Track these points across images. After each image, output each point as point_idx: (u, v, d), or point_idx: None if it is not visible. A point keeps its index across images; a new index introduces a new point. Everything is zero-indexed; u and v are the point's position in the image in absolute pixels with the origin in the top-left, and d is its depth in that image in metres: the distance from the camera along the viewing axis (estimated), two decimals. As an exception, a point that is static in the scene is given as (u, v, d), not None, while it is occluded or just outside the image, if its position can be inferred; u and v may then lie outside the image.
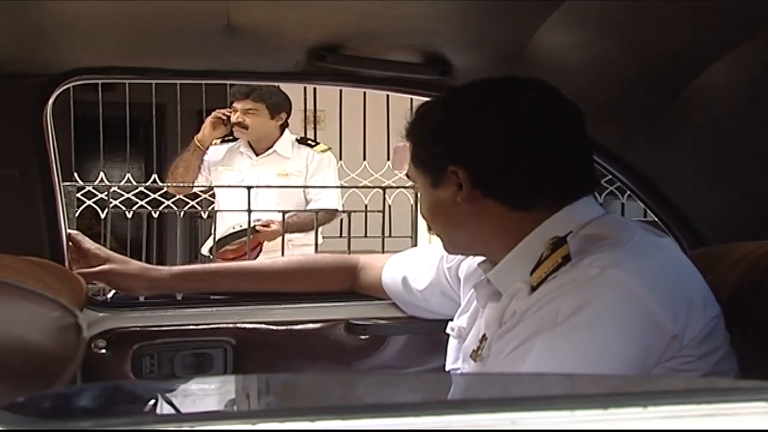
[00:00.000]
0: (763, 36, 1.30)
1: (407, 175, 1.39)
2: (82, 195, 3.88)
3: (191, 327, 1.68)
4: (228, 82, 2.89)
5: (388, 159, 4.36)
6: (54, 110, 1.62)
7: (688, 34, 1.35)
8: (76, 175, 3.91)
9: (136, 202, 3.97)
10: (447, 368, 1.42)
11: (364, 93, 4.01)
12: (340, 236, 3.76)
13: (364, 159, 4.44)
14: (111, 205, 3.69)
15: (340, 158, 4.13)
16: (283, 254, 3.20)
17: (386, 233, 3.78)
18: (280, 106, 3.49)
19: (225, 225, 3.42)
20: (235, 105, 3.45)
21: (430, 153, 1.28)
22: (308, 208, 3.44)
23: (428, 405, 0.61)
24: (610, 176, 1.76)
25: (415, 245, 3.79)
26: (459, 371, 1.36)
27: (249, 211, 3.19)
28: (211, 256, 3.35)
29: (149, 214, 3.98)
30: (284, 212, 3.30)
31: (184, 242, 4.41)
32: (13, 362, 0.75)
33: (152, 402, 0.68)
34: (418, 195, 1.51)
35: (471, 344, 1.33)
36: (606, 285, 1.09)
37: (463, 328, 1.40)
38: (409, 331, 1.72)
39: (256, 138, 3.52)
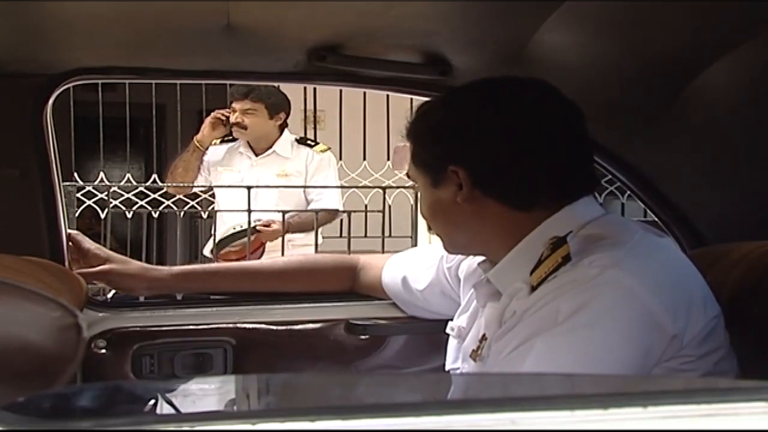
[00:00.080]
0: (763, 36, 1.30)
1: (407, 175, 1.39)
2: (82, 195, 3.88)
3: (191, 327, 1.68)
4: (228, 82, 2.88)
5: (388, 159, 4.36)
6: (54, 110, 1.62)
7: (688, 34, 1.35)
8: (76, 175, 3.91)
9: (136, 202, 3.98)
10: (447, 368, 1.42)
11: (364, 93, 4.01)
12: (340, 236, 3.76)
13: (364, 159, 4.44)
14: (111, 205, 3.69)
15: (340, 158, 4.13)
16: (283, 254, 3.20)
17: (386, 233, 3.78)
18: (279, 106, 3.49)
19: (225, 226, 3.42)
20: (234, 105, 3.45)
21: (430, 153, 1.28)
22: (309, 208, 3.44)
23: (428, 405, 0.61)
24: (610, 176, 1.76)
25: (415, 245, 3.79)
26: (459, 371, 1.36)
27: (249, 211, 3.18)
28: (213, 258, 3.35)
29: (149, 214, 3.98)
30: (284, 212, 3.30)
31: (184, 242, 4.41)
32: (13, 362, 0.75)
33: (152, 402, 0.68)
34: (418, 195, 1.51)
35: (471, 344, 1.33)
36: (606, 285, 1.09)
37: (462, 328, 1.40)
38: (409, 331, 1.72)
39: (255, 138, 3.51)
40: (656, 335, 1.09)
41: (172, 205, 3.99)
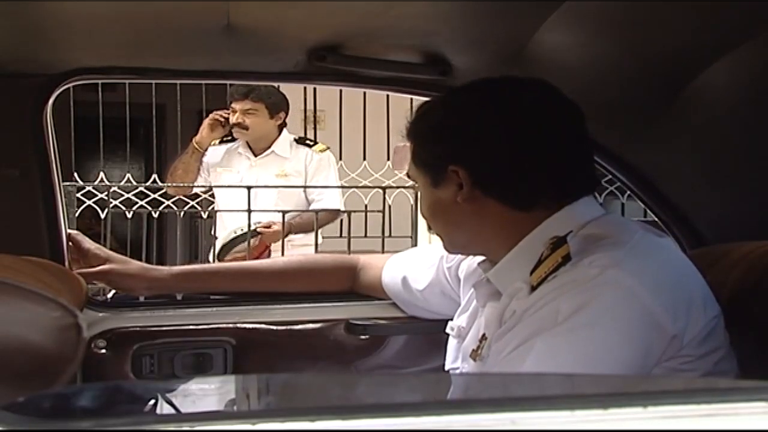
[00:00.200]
0: (763, 36, 1.30)
1: (408, 175, 1.39)
2: (82, 195, 3.88)
3: (191, 327, 1.68)
4: (228, 82, 2.89)
5: (388, 159, 4.36)
6: (54, 110, 1.62)
7: (688, 34, 1.35)
8: (76, 175, 3.91)
9: (136, 202, 3.97)
10: (446, 368, 1.42)
11: (364, 93, 4.01)
12: (340, 236, 3.76)
13: (364, 159, 4.44)
14: (111, 205, 3.69)
15: (340, 158, 4.13)
16: (283, 254, 3.19)
17: (386, 233, 3.78)
18: (278, 106, 3.49)
19: (225, 228, 3.41)
20: (233, 106, 3.45)
21: (430, 153, 1.28)
22: (311, 208, 3.44)
23: (428, 405, 0.61)
24: (610, 176, 1.76)
25: (415, 245, 3.79)
26: (458, 371, 1.36)
27: (249, 211, 3.18)
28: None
29: (149, 214, 3.97)
30: (284, 212, 3.29)
31: (184, 242, 4.41)
32: (13, 362, 0.75)
33: (152, 402, 0.68)
34: (419, 195, 1.51)
35: (471, 344, 1.33)
36: (606, 285, 1.09)
37: (462, 328, 1.40)
38: (409, 331, 1.72)
39: (255, 138, 3.51)
40: (656, 335, 1.09)
41: (172, 205, 3.98)
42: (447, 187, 1.25)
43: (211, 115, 3.54)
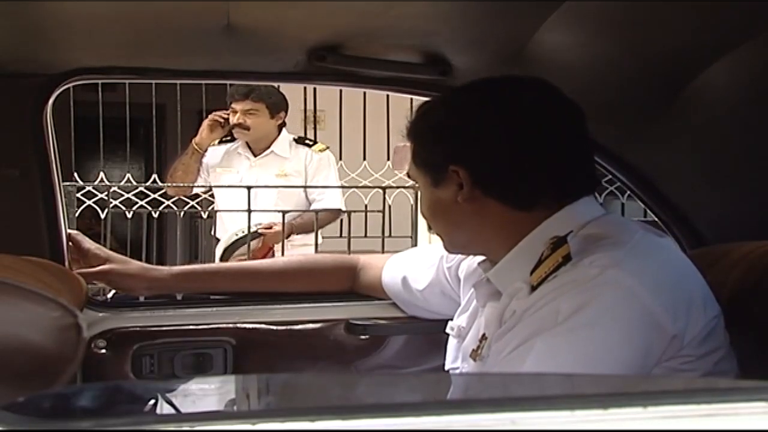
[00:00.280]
0: (763, 36, 1.30)
1: (408, 175, 1.39)
2: (82, 195, 3.88)
3: (191, 327, 1.68)
4: (228, 82, 2.88)
5: (388, 159, 4.36)
6: (54, 110, 1.62)
7: (688, 34, 1.35)
8: (76, 175, 3.91)
9: (136, 202, 3.98)
10: (446, 368, 1.42)
11: (364, 93, 4.01)
12: (340, 236, 3.76)
13: (364, 159, 4.44)
14: (111, 205, 3.69)
15: (340, 158, 4.13)
16: (283, 254, 3.19)
17: (386, 233, 3.78)
18: (279, 106, 3.49)
19: (225, 228, 3.41)
20: (234, 106, 3.44)
21: (430, 153, 1.28)
22: (312, 208, 3.44)
23: (428, 405, 0.61)
24: (610, 176, 1.76)
25: (415, 245, 3.79)
26: (458, 370, 1.36)
27: (249, 211, 3.18)
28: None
29: (149, 214, 3.98)
30: (284, 212, 3.29)
31: (184, 242, 4.41)
32: (13, 362, 0.75)
33: (152, 402, 0.68)
34: (419, 195, 1.51)
35: (471, 344, 1.33)
36: (606, 285, 1.09)
37: (462, 328, 1.40)
38: (409, 331, 1.72)
39: (256, 138, 3.51)
40: (656, 335, 1.09)
41: (172, 205, 3.99)
42: (447, 187, 1.25)
43: (210, 116, 3.53)
